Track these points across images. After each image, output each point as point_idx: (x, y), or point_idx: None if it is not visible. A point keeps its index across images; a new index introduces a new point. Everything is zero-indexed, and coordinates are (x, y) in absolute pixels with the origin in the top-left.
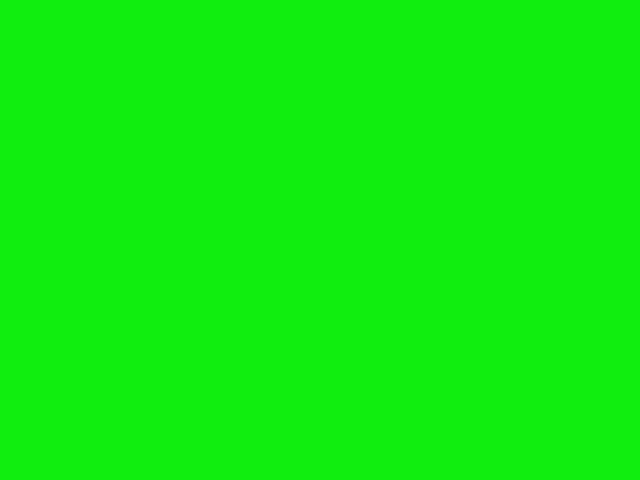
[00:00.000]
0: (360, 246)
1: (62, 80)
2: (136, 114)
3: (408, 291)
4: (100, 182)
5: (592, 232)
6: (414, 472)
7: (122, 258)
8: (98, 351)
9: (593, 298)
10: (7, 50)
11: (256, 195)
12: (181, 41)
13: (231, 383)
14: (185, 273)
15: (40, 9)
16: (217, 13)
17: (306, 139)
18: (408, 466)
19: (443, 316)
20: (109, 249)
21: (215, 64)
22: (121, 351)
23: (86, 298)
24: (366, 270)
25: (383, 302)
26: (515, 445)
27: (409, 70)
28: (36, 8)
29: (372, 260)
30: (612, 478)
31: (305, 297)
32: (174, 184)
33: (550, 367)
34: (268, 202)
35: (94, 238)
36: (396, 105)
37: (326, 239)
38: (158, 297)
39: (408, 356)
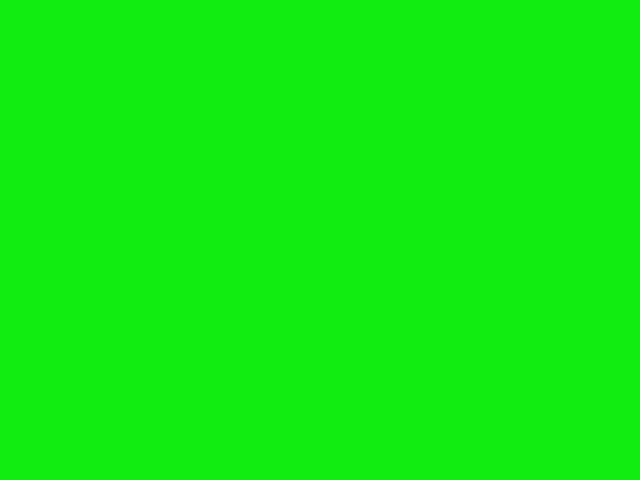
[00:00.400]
0: (359, 246)
1: (62, 80)
2: (135, 114)
3: (407, 291)
4: (99, 182)
5: (592, 232)
6: (414, 472)
7: (121, 259)
8: (97, 351)
9: (593, 298)
10: (7, 50)
11: (255, 195)
12: (181, 41)
13: (230, 383)
14: (184, 273)
15: (40, 9)
16: (217, 13)
17: (306, 139)
18: (408, 466)
19: (442, 316)
20: (108, 249)
21: (215, 64)
22: (120, 351)
23: (85, 297)
24: (365, 270)
25: (382, 302)
26: (515, 445)
27: (409, 70)
28: (36, 8)
29: (371, 260)
30: (612, 478)
31: (304, 297)
32: (173, 184)
33: (550, 367)
34: (267, 202)
35: (93, 238)
36: (395, 105)
37: (325, 239)
38: (157, 297)
39: (407, 356)
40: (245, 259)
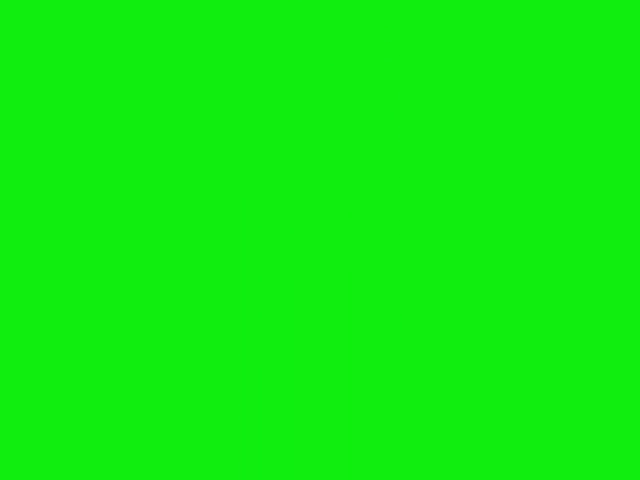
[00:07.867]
0: (358, 246)
1: (61, 80)
2: (135, 115)
3: (406, 293)
4: (98, 182)
5: (592, 232)
6: (413, 472)
7: (119, 259)
8: (97, 351)
9: (593, 298)
10: (7, 50)
11: (254, 195)
12: (180, 41)
13: (229, 381)
14: (183, 272)
15: (40, 9)
16: (217, 14)
17: (305, 140)
18: (407, 466)
19: (442, 316)
20: (107, 249)
21: (215, 64)
22: (119, 351)
23: (84, 297)
24: (365, 270)
25: (381, 303)
26: (514, 445)
27: (409, 70)
28: (36, 8)
29: (370, 260)
30: (612, 478)
31: (303, 296)
32: (172, 184)
33: (550, 368)
34: (266, 202)
35: (92, 238)
36: (395, 106)
37: (324, 240)
38: (156, 297)
39: (407, 356)
40: (244, 259)
